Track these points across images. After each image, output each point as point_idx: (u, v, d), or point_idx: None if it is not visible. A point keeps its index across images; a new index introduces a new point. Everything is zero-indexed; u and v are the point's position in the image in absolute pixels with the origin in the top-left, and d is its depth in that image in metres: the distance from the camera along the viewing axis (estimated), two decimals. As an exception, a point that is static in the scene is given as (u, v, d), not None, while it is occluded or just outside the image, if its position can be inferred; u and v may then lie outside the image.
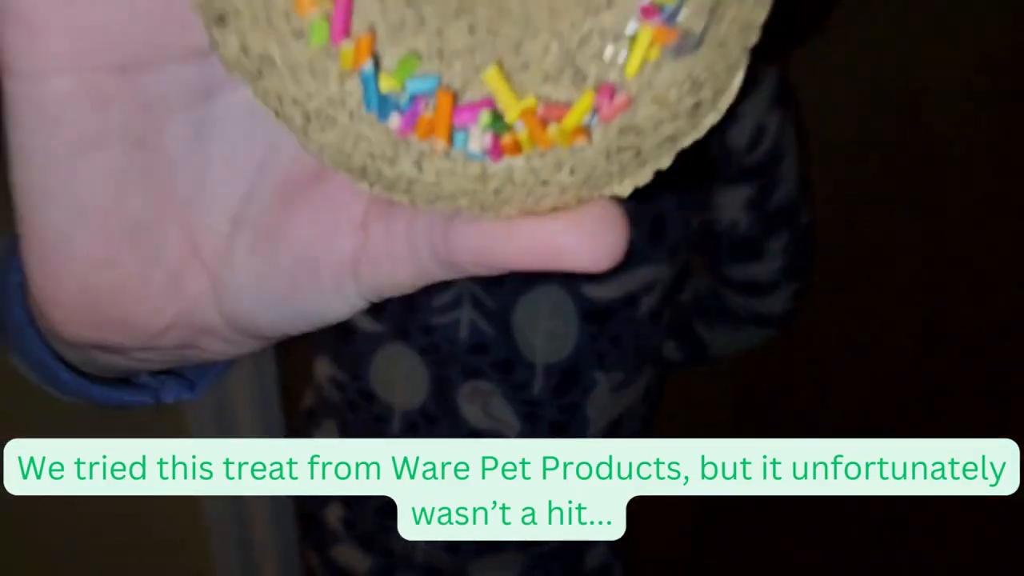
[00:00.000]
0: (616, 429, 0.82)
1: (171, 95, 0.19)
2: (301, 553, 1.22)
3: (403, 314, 0.75)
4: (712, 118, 0.17)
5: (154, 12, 0.18)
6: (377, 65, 0.17)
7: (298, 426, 0.93)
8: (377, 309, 0.75)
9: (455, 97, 0.17)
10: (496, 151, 0.18)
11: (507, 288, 0.72)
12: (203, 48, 0.18)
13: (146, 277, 0.20)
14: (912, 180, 1.02)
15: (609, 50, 0.18)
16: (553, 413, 0.76)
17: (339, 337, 0.79)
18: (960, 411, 1.12)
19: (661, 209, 0.73)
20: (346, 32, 0.17)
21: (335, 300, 0.20)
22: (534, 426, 0.77)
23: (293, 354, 1.10)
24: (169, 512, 1.18)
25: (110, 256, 0.20)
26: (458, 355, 0.74)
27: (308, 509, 0.94)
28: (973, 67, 0.96)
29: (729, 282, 0.90)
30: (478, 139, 0.17)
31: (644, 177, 0.17)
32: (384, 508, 0.82)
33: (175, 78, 0.19)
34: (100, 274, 0.20)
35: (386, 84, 0.17)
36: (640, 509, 1.17)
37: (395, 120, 0.17)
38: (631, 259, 0.73)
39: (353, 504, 0.86)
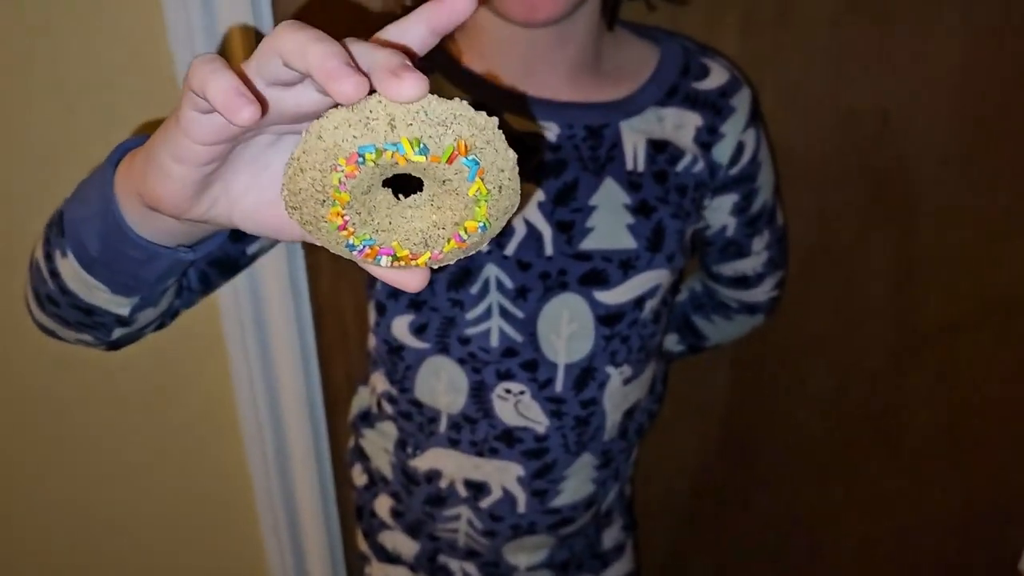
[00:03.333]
0: (628, 419, 0.94)
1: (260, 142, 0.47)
2: (345, 541, 1.35)
3: (443, 331, 0.86)
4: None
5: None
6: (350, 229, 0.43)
7: (354, 423, 1.05)
8: (420, 329, 0.87)
9: (379, 247, 0.43)
10: (391, 265, 0.44)
11: (531, 299, 0.84)
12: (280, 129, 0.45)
13: (202, 198, 0.47)
14: (885, 194, 1.13)
15: (441, 241, 0.43)
16: (575, 408, 0.88)
17: (391, 353, 0.91)
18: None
19: (659, 221, 0.84)
20: (343, 228, 0.42)
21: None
22: (561, 421, 0.88)
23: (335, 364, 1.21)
24: (221, 499, 1.29)
25: (191, 193, 0.46)
26: (491, 360, 0.86)
27: (359, 501, 1.07)
28: (945, 84, 1.07)
29: (720, 278, 1.03)
30: (385, 261, 0.44)
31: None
32: (431, 499, 0.95)
33: (259, 140, 0.47)
34: (184, 194, 0.46)
35: (355, 242, 0.42)
36: (644, 490, 1.29)
37: (355, 252, 0.43)
38: (637, 266, 0.84)
39: (402, 497, 0.98)
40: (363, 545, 1.08)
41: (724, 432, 1.29)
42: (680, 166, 0.86)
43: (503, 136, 0.40)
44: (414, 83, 0.36)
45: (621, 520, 1.07)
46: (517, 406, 0.87)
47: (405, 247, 0.44)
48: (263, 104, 0.41)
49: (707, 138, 0.87)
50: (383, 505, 1.02)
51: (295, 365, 1.16)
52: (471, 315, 0.85)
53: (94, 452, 1.19)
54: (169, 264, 0.57)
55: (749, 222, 0.95)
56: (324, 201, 0.40)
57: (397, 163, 0.39)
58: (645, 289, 0.86)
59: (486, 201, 0.41)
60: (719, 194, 0.91)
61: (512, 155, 0.41)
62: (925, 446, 1.27)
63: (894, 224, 1.15)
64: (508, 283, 0.83)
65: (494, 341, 0.85)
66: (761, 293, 1.04)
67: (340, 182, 0.39)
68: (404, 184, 0.44)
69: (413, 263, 0.44)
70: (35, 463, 1.19)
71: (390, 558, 1.04)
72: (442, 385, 0.89)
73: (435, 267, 0.45)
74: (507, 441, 0.89)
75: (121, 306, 0.62)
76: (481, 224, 0.43)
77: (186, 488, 1.25)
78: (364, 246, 0.43)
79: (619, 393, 0.90)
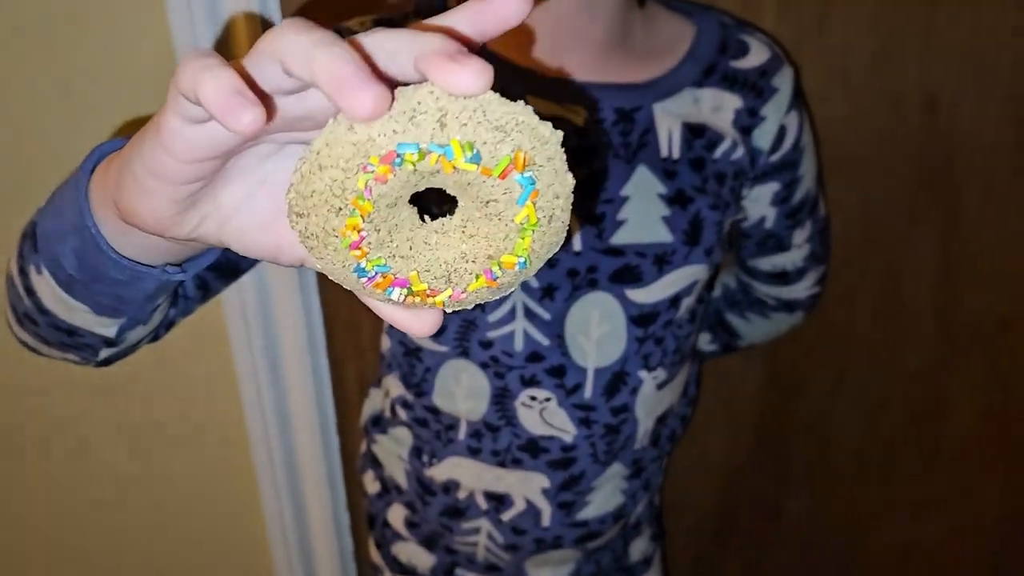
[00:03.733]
0: (661, 425, 0.88)
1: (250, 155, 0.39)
2: (356, 549, 1.29)
3: (463, 333, 0.80)
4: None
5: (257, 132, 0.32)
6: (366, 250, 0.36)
7: (365, 427, 0.98)
8: (439, 332, 0.81)
9: (393, 276, 0.37)
10: (403, 301, 0.37)
11: (559, 298, 0.77)
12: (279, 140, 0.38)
13: (187, 216, 0.39)
14: (933, 185, 1.06)
15: (468, 277, 0.37)
16: (605, 416, 0.82)
17: (408, 355, 0.85)
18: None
19: (697, 212, 0.78)
20: (355, 247, 0.35)
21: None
22: (590, 430, 0.82)
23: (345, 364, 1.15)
24: (228, 510, 1.24)
25: (174, 211, 0.38)
26: (515, 365, 0.80)
27: (372, 510, 1.01)
28: (996, 67, 1.00)
29: (757, 273, 0.96)
30: (397, 295, 0.37)
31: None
32: (449, 511, 0.88)
33: (258, 151, 0.39)
34: (166, 212, 0.38)
35: (367, 266, 0.36)
36: (670, 502, 1.23)
37: (364, 280, 0.36)
38: (673, 261, 0.78)
39: (417, 507, 0.92)
40: (376, 556, 1.02)
41: (757, 434, 1.23)
42: (718, 152, 0.79)
43: (565, 157, 0.34)
44: (477, 73, 0.30)
45: (650, 530, 1.01)
46: (543, 414, 0.81)
47: (424, 280, 0.37)
48: (269, 108, 0.34)
49: (747, 121, 0.80)
50: (397, 515, 0.96)
51: (304, 365, 1.10)
52: (493, 317, 0.78)
53: (95, 458, 1.15)
54: (156, 285, 0.50)
55: (790, 213, 0.88)
56: (340, 209, 0.33)
57: (441, 170, 0.32)
58: (681, 287, 0.80)
59: (532, 231, 0.35)
60: (759, 183, 0.84)
61: (571, 180, 0.34)
62: (967, 449, 1.20)
63: (939, 216, 1.08)
64: (533, 281, 0.77)
65: (518, 345, 0.79)
66: (801, 290, 0.97)
67: (367, 186, 0.33)
68: (427, 204, 0.38)
69: (429, 301, 0.38)
70: (37, 473, 1.15)
71: (404, 570, 0.98)
72: (462, 391, 0.82)
73: (451, 309, 0.39)
74: (531, 451, 0.83)
75: (106, 327, 0.55)
76: (521, 260, 0.36)
77: (191, 493, 1.20)
78: (376, 273, 0.36)
79: (652, 399, 0.84)
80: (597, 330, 0.78)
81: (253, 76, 0.33)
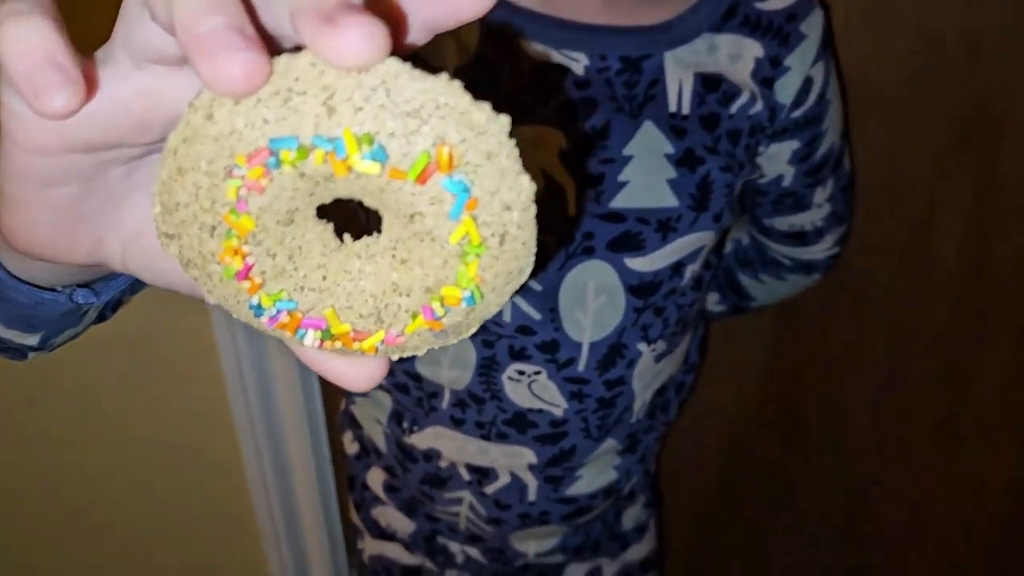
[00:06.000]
0: (660, 397, 0.82)
1: (120, 159, 0.28)
2: (342, 511, 1.24)
3: None
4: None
5: (124, 126, 0.26)
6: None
7: (342, 392, 0.92)
8: None
9: (302, 314, 0.28)
10: (320, 345, 0.29)
11: (551, 268, 0.70)
12: (152, 141, 0.28)
13: (77, 237, 0.30)
14: (969, 132, 0.97)
15: (403, 316, 0.28)
16: (599, 389, 0.75)
17: None
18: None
19: (706, 175, 0.69)
20: (243, 276, 0.27)
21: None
22: (582, 404, 0.75)
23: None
24: (210, 463, 1.20)
25: (56, 228, 0.30)
26: (505, 334, 0.73)
27: (351, 471, 0.95)
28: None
29: (772, 233, 0.88)
30: (311, 339, 0.28)
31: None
32: (430, 479, 0.82)
33: (127, 153, 0.28)
34: (45, 230, 0.30)
35: (264, 302, 0.27)
36: (669, 464, 1.18)
37: (264, 320, 0.28)
38: (678, 228, 0.70)
39: (396, 472, 0.86)
40: (355, 517, 0.97)
41: (762, 395, 1.16)
42: (734, 107, 0.70)
43: (516, 150, 0.25)
44: (364, 35, 0.21)
45: (644, 497, 0.95)
46: (531, 387, 0.74)
47: (345, 319, 0.28)
48: (90, 82, 0.25)
49: (769, 72, 0.71)
50: (376, 478, 0.90)
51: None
52: None
53: (84, 452, 1.12)
54: (67, 307, 0.42)
55: (811, 171, 0.79)
56: (214, 228, 0.25)
57: (333, 174, 0.24)
58: (686, 253, 0.72)
59: (477, 255, 0.26)
60: (777, 140, 0.75)
61: (528, 185, 0.25)
62: (986, 416, 1.13)
63: (973, 166, 0.99)
64: None
65: (507, 316, 0.71)
66: (820, 250, 0.88)
67: (239, 197, 0.24)
68: (353, 220, 0.29)
69: (356, 346, 0.29)
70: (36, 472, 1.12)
71: (384, 535, 0.93)
72: (448, 357, 0.75)
73: (394, 356, 0.30)
74: (519, 425, 0.76)
75: (25, 339, 0.47)
76: (467, 294, 0.27)
77: (173, 459, 1.16)
78: (279, 311, 0.28)
79: (650, 371, 0.77)
80: (594, 302, 0.71)
81: (123, 35, 0.25)
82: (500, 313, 0.71)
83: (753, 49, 0.70)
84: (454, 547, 0.89)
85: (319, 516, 1.20)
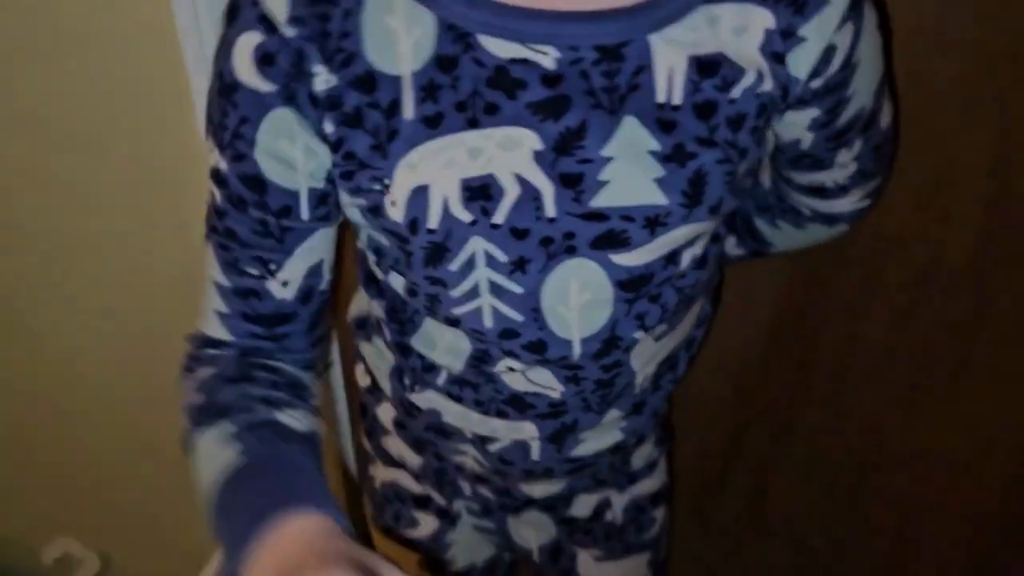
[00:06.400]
0: (665, 363, 0.78)
1: None
2: (353, 432, 1.26)
3: (431, 305, 0.69)
4: None
5: None
6: None
7: (352, 324, 0.91)
8: (411, 293, 0.70)
9: None
10: None
11: (532, 271, 0.64)
12: None
13: None
14: (992, 65, 0.93)
15: None
16: (596, 373, 0.72)
17: (391, 301, 0.75)
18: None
19: (698, 169, 0.62)
20: None
21: None
22: (579, 386, 0.72)
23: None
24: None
25: None
26: (491, 340, 0.69)
27: (363, 400, 0.96)
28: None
29: (792, 183, 0.81)
30: None
31: None
32: (434, 428, 0.82)
33: None
34: None
35: None
36: (681, 403, 1.17)
37: None
38: (668, 223, 0.63)
39: (408, 408, 0.84)
40: (366, 443, 0.98)
41: (773, 337, 1.12)
42: (736, 90, 0.61)
43: None
44: None
45: (655, 436, 0.95)
46: (526, 374, 0.72)
47: None
48: None
49: (780, 46, 0.61)
50: (386, 413, 0.91)
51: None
52: (456, 293, 0.66)
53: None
54: None
55: (833, 136, 0.71)
56: None
57: None
58: (679, 244, 0.66)
59: None
60: (794, 109, 0.66)
61: None
62: (1002, 361, 1.11)
63: (1000, 93, 0.90)
64: (501, 256, 0.63)
65: (488, 322, 0.67)
66: (845, 204, 0.81)
67: None
68: None
69: None
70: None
71: (394, 463, 0.95)
72: (444, 343, 0.73)
73: None
74: (517, 406, 0.74)
75: None
76: None
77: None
78: None
79: (651, 350, 0.74)
80: (578, 299, 0.66)
81: None
82: (480, 320, 0.67)
83: (763, 19, 0.60)
84: (462, 482, 0.91)
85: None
